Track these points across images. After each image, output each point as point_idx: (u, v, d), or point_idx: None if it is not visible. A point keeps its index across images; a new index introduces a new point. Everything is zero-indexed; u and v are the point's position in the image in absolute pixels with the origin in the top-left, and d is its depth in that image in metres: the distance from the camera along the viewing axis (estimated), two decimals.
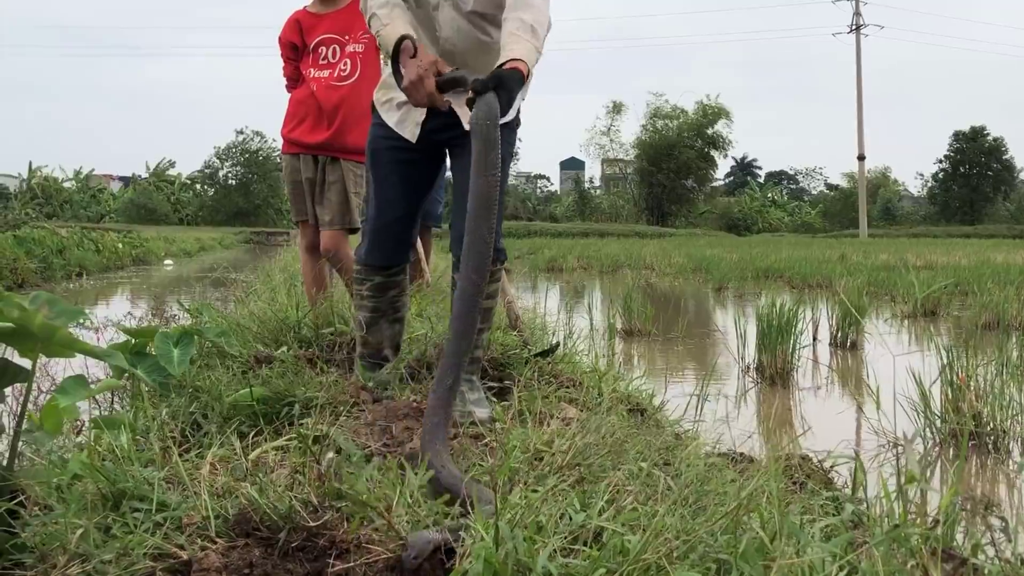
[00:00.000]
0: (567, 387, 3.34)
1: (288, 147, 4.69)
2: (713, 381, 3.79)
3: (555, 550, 1.50)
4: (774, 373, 6.42)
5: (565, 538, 1.60)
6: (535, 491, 1.83)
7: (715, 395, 4.06)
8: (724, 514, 1.48)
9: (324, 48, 4.49)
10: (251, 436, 2.76)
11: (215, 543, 1.81)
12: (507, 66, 2.55)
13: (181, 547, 1.78)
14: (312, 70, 4.51)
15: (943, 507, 1.33)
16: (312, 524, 1.87)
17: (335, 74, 4.49)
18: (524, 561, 1.37)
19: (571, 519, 1.67)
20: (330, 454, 2.13)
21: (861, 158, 49.80)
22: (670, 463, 2.18)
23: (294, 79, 4.65)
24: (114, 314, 6.48)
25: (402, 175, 3.08)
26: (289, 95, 4.70)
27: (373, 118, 3.16)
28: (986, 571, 1.22)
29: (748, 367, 6.73)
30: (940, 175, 62.97)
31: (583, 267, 21.78)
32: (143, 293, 13.85)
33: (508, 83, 2.51)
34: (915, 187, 73.82)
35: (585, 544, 1.59)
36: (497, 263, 2.97)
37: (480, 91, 2.47)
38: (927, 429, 4.63)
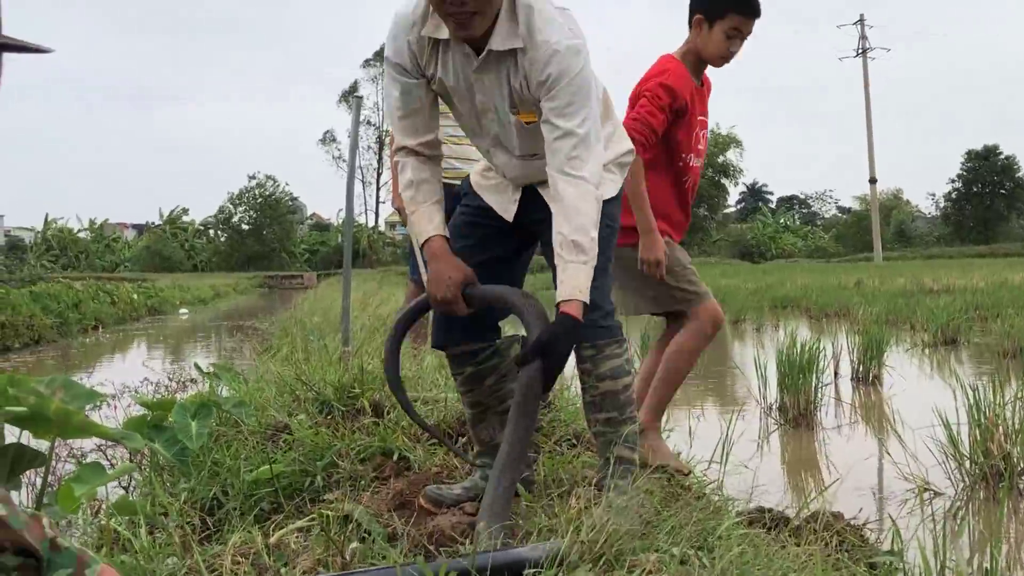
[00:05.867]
0: (589, 448, 3.28)
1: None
2: (735, 424, 3.75)
3: None
4: (797, 414, 6.33)
5: None
6: None
7: (738, 439, 4.00)
8: None
9: (701, 130, 3.67)
10: (272, 516, 2.73)
11: None
12: (561, 310, 2.45)
13: None
14: (692, 156, 3.63)
15: None
16: None
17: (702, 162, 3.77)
18: None
19: None
20: (354, 544, 2.08)
21: (873, 181, 49.80)
22: (703, 543, 2.12)
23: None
24: (130, 373, 6.47)
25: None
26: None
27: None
28: None
29: (771, 407, 6.64)
30: (953, 195, 62.80)
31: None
32: (159, 345, 13.86)
33: (557, 347, 2.42)
34: (927, 207, 73.74)
35: None
36: (612, 340, 2.76)
37: (525, 362, 2.41)
38: (957, 472, 4.55)
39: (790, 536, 2.58)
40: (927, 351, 9.85)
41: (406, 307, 2.87)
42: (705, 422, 6.16)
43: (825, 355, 6.90)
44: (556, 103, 2.47)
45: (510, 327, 4.09)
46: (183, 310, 23.72)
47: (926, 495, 4.41)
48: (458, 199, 2.98)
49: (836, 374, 8.33)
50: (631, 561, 1.93)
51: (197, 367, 4.79)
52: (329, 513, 2.38)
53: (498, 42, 2.49)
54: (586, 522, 2.03)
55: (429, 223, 2.67)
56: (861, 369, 8.31)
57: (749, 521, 3.14)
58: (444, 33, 2.53)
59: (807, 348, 6.55)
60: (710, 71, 3.65)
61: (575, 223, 2.45)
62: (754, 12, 3.40)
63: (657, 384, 3.63)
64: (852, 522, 3.37)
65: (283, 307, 19.03)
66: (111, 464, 3.62)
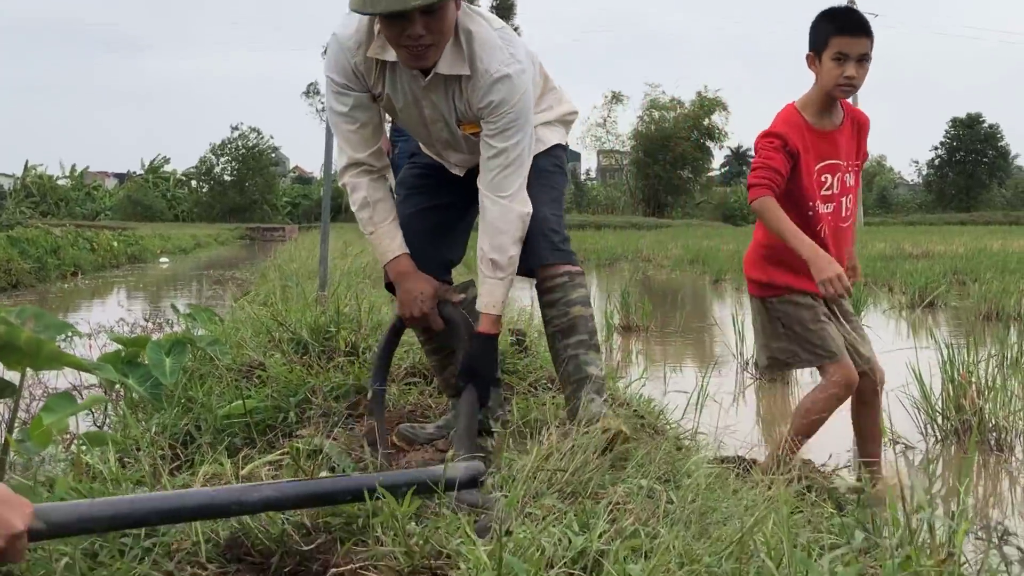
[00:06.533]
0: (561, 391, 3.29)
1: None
2: (712, 378, 3.76)
3: None
4: None
5: (565, 564, 1.55)
6: (534, 512, 1.79)
7: (714, 393, 4.02)
8: (730, 542, 1.43)
9: (834, 175, 3.44)
10: (244, 450, 2.72)
11: (206, 569, 1.77)
12: (477, 329, 2.65)
13: (171, 574, 1.73)
14: (818, 203, 3.40)
15: (958, 540, 1.28)
16: (305, 548, 1.82)
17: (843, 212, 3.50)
18: None
19: (571, 542, 1.62)
20: (323, 473, 2.08)
21: None
22: (671, 479, 2.14)
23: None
24: (108, 316, 6.43)
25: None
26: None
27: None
28: None
29: (746, 363, 6.69)
30: (936, 162, 62.92)
31: (580, 260, 21.68)
32: (139, 292, 13.78)
33: (481, 367, 2.62)
34: (910, 174, 73.88)
35: (586, 570, 1.54)
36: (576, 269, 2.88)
37: (458, 392, 2.61)
38: (928, 426, 4.60)
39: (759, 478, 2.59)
40: (904, 312, 9.91)
41: (384, 337, 2.90)
42: (681, 376, 6.19)
43: None
44: (495, 126, 2.61)
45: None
46: (163, 259, 23.57)
47: (897, 448, 4.47)
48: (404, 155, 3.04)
49: None
50: (599, 493, 1.95)
51: (174, 308, 4.76)
52: (299, 446, 2.38)
53: (445, 67, 2.57)
54: (555, 454, 2.04)
55: (392, 242, 2.75)
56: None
57: (719, 463, 3.17)
58: (391, 55, 2.58)
59: None
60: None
61: (495, 242, 2.62)
62: (853, 29, 3.28)
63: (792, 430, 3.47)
64: (822, 468, 3.41)
65: (264, 258, 18.94)
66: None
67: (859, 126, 3.52)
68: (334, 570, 1.69)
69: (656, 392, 4.32)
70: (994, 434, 4.28)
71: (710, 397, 3.51)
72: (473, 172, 2.82)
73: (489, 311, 2.64)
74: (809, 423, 3.30)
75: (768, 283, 3.33)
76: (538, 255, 2.74)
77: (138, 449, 2.54)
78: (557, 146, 2.95)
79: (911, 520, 1.35)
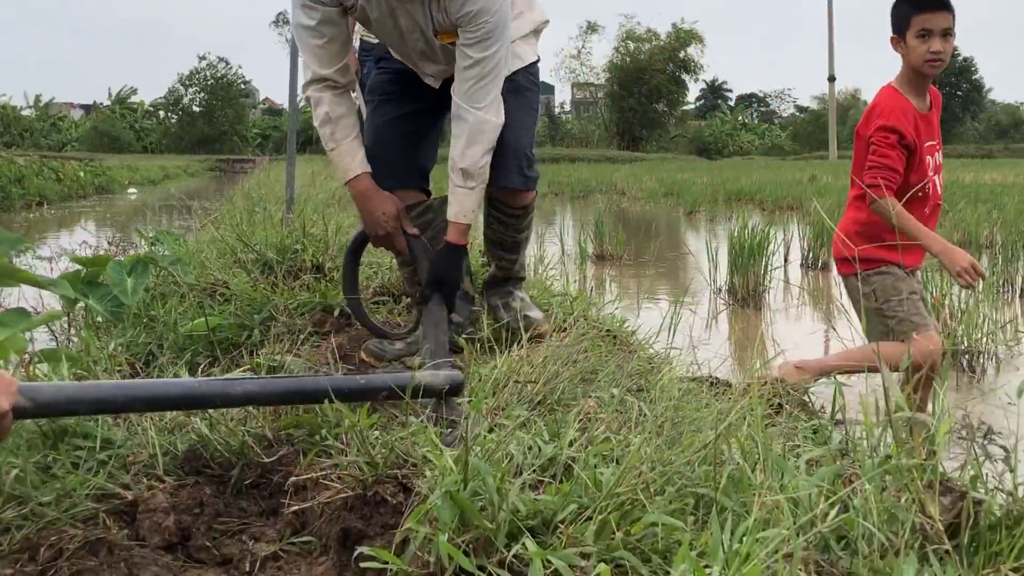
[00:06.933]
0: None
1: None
2: (685, 304, 3.70)
3: (525, 484, 1.40)
4: (746, 295, 6.38)
5: (535, 471, 1.51)
6: (504, 424, 1.74)
7: (688, 318, 3.98)
8: (703, 444, 1.39)
9: (931, 156, 3.45)
10: (209, 368, 2.66)
11: (163, 482, 1.71)
12: (445, 239, 2.61)
13: (127, 487, 1.67)
14: (928, 185, 3.43)
15: (940, 436, 1.24)
16: (266, 460, 1.77)
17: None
18: (493, 499, 1.27)
19: (540, 450, 1.57)
20: None
21: (831, 79, 49.52)
22: (643, 389, 2.09)
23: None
24: (73, 243, 6.30)
25: None
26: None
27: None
28: (986, 504, 1.13)
29: (720, 289, 6.68)
30: None
31: (554, 193, 21.58)
32: (106, 222, 13.55)
33: (447, 276, 2.58)
34: None
35: (555, 477, 1.49)
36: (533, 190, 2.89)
37: (425, 300, 2.56)
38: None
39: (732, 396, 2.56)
40: None
41: (347, 252, 2.86)
42: (655, 301, 6.17)
43: (775, 241, 6.92)
44: (473, 36, 2.53)
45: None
46: (131, 189, 23.22)
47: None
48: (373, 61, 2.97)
49: (786, 260, 8.39)
50: (569, 404, 1.90)
51: (139, 232, 4.65)
52: (262, 362, 2.31)
53: None
54: (525, 366, 1.99)
55: (353, 160, 2.67)
56: (811, 256, 8.38)
57: (691, 382, 3.14)
58: None
59: (758, 232, 6.56)
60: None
61: (468, 151, 2.57)
62: (933, 5, 3.25)
63: (830, 357, 3.44)
64: (795, 387, 3.39)
65: (233, 189, 18.70)
66: None
67: (937, 106, 3.53)
68: (294, 478, 1.63)
69: (628, 315, 4.28)
70: (966, 357, 4.29)
71: (682, 322, 3.48)
72: (446, 81, 2.75)
73: (459, 220, 2.59)
74: (857, 365, 3.31)
75: (864, 258, 3.32)
76: (509, 177, 2.74)
77: (96, 364, 2.46)
78: (534, 64, 2.91)
79: (891, 420, 1.30)
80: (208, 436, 1.78)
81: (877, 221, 3.11)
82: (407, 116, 2.83)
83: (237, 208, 7.26)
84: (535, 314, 2.95)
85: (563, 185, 22.84)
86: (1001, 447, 1.27)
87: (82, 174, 20.91)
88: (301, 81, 2.77)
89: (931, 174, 3.43)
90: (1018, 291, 6.97)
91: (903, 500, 1.13)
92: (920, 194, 3.37)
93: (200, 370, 2.52)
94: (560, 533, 1.25)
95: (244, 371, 2.37)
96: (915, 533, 1.11)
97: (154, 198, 20.20)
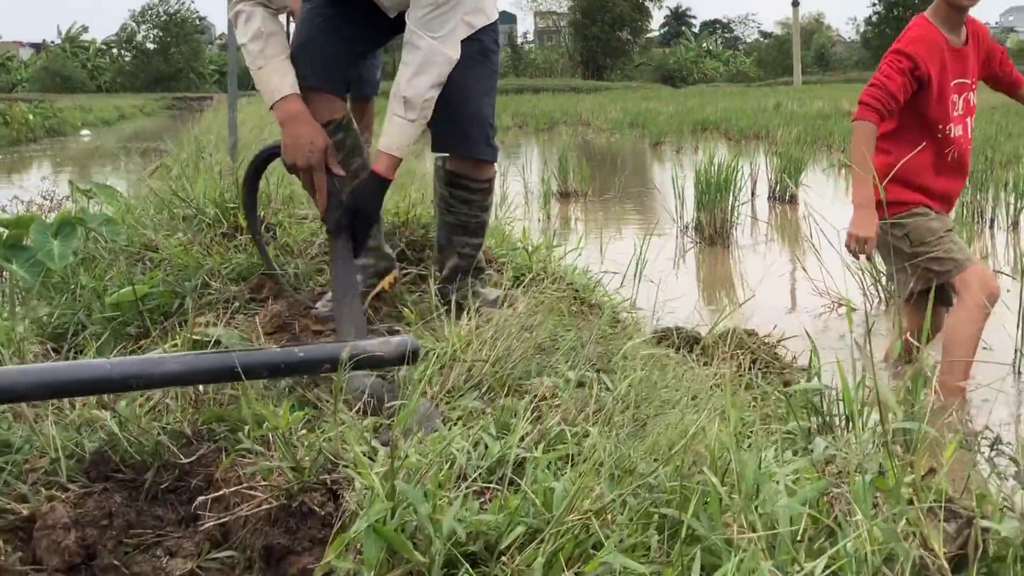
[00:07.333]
0: (494, 268, 3.05)
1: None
2: (652, 243, 3.53)
3: (468, 493, 1.23)
4: (713, 232, 6.23)
5: (480, 474, 1.34)
6: (449, 416, 1.56)
7: (654, 259, 3.81)
8: (669, 445, 1.22)
9: (960, 95, 3.28)
10: (139, 341, 2.46)
11: (67, 490, 1.52)
12: (372, 167, 2.44)
13: (23, 499, 1.48)
14: (951, 126, 3.25)
15: (947, 457, 1.07)
16: (184, 461, 1.59)
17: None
18: (426, 529, 1.09)
19: (487, 448, 1.40)
20: None
21: (795, 4, 49.04)
22: (606, 357, 1.92)
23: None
24: (4, 195, 5.98)
25: None
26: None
27: None
28: (993, 531, 0.96)
29: (687, 226, 6.52)
30: (873, 18, 62.40)
31: (518, 125, 21.24)
32: (58, 168, 13.12)
33: (365, 205, 2.43)
34: (848, 32, 73.43)
35: (503, 480, 1.32)
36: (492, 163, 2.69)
37: (337, 232, 2.40)
38: (873, 288, 4.48)
39: (700, 355, 2.40)
40: (844, 171, 9.77)
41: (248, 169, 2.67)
42: (620, 241, 5.99)
43: (743, 175, 6.76)
44: None
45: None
46: (84, 132, 22.61)
47: (840, 311, 4.34)
48: None
49: (753, 194, 8.24)
50: (523, 387, 1.72)
51: (71, 184, 4.39)
52: (188, 335, 2.12)
53: None
54: (474, 341, 1.81)
55: (282, 80, 2.43)
56: (778, 188, 8.25)
57: (658, 340, 2.98)
58: None
59: (724, 167, 6.38)
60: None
61: (414, 80, 2.39)
62: None
63: (949, 355, 3.23)
64: (766, 340, 3.25)
65: (191, 129, 18.24)
66: None
67: (980, 37, 3.34)
68: (214, 494, 1.45)
69: (593, 261, 4.10)
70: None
71: (649, 264, 3.32)
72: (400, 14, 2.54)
73: (391, 152, 2.40)
74: (968, 351, 3.13)
75: (895, 200, 3.12)
76: (476, 148, 2.58)
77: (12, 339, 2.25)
78: (495, 22, 2.70)
79: (885, 425, 1.14)
80: (118, 435, 1.59)
81: (907, 164, 2.92)
82: (348, 22, 2.58)
83: (186, 154, 6.96)
84: (492, 295, 2.75)
85: (527, 117, 22.49)
86: (1011, 459, 1.10)
87: (31, 116, 20.31)
88: None
89: (956, 114, 3.25)
90: (987, 222, 6.88)
91: (899, 528, 0.96)
92: (939, 136, 3.19)
93: (130, 345, 2.32)
94: (504, 563, 1.08)
95: (173, 347, 2.18)
96: (915, 569, 0.94)
97: (109, 140, 19.68)
